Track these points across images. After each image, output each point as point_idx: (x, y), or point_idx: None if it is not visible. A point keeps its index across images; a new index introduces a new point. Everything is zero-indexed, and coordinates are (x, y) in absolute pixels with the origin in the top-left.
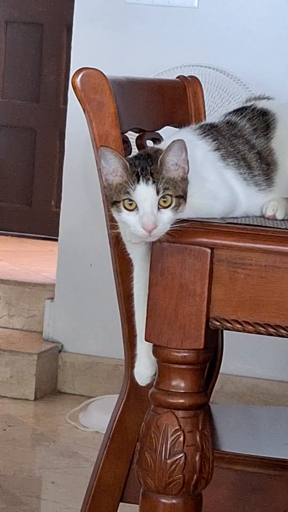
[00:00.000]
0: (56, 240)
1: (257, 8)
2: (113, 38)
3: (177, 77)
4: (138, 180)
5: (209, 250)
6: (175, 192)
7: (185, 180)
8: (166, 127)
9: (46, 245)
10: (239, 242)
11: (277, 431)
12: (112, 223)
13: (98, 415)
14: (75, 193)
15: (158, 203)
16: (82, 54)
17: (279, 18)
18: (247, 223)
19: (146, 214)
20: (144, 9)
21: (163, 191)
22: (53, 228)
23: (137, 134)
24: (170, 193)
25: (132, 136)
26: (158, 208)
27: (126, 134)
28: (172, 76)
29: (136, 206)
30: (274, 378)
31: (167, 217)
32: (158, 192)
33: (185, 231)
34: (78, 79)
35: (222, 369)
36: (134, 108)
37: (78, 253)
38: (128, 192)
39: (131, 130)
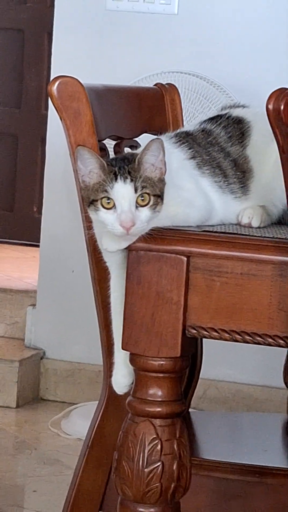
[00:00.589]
0: (38, 246)
1: (237, 15)
2: (94, 44)
3: (155, 85)
4: (116, 179)
5: (185, 258)
6: (153, 191)
7: (162, 180)
8: (144, 135)
9: (28, 251)
10: (215, 250)
11: (257, 437)
12: (88, 223)
13: (81, 422)
14: (56, 199)
15: (136, 202)
16: (62, 61)
17: (259, 25)
18: (223, 231)
19: (124, 212)
20: (124, 16)
21: (141, 189)
22: (35, 234)
23: (114, 142)
24: (148, 191)
25: (110, 143)
26: (136, 207)
27: (104, 141)
28: (152, 83)
29: (114, 205)
30: (256, 383)
31: (144, 215)
32: (136, 190)
33: (161, 239)
34: (54, 87)
35: (204, 374)
36: (112, 115)
37: (60, 259)
38: (106, 191)
39: (108, 137)
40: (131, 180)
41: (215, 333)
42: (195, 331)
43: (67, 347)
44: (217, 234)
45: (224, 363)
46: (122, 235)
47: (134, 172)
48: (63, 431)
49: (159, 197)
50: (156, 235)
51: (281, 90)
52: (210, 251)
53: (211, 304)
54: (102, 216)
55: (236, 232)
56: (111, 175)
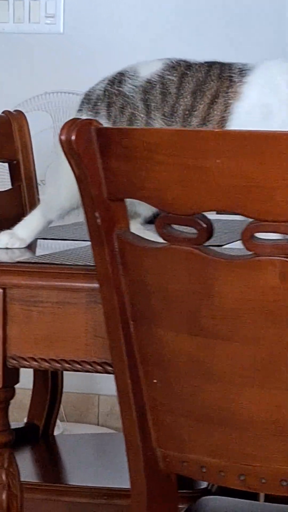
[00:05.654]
0: None
1: (124, 32)
2: None
3: (3, 112)
4: None
5: (1, 290)
6: None
7: None
8: None
9: None
10: (29, 281)
11: (104, 459)
12: None
13: None
14: None
15: None
16: None
17: (144, 43)
18: (37, 261)
19: None
20: (8, 37)
21: None
22: None
23: None
24: None
25: None
26: None
27: None
28: (37, 104)
29: None
30: None
31: None
32: None
33: None
34: None
35: (111, 391)
36: None
37: None
38: None
39: None
40: None
41: (35, 363)
42: (15, 362)
43: None
44: (30, 264)
45: None
46: None
47: None
48: None
49: None
50: None
51: (73, 121)
52: (24, 282)
53: (30, 334)
54: None
55: (48, 262)
56: None
